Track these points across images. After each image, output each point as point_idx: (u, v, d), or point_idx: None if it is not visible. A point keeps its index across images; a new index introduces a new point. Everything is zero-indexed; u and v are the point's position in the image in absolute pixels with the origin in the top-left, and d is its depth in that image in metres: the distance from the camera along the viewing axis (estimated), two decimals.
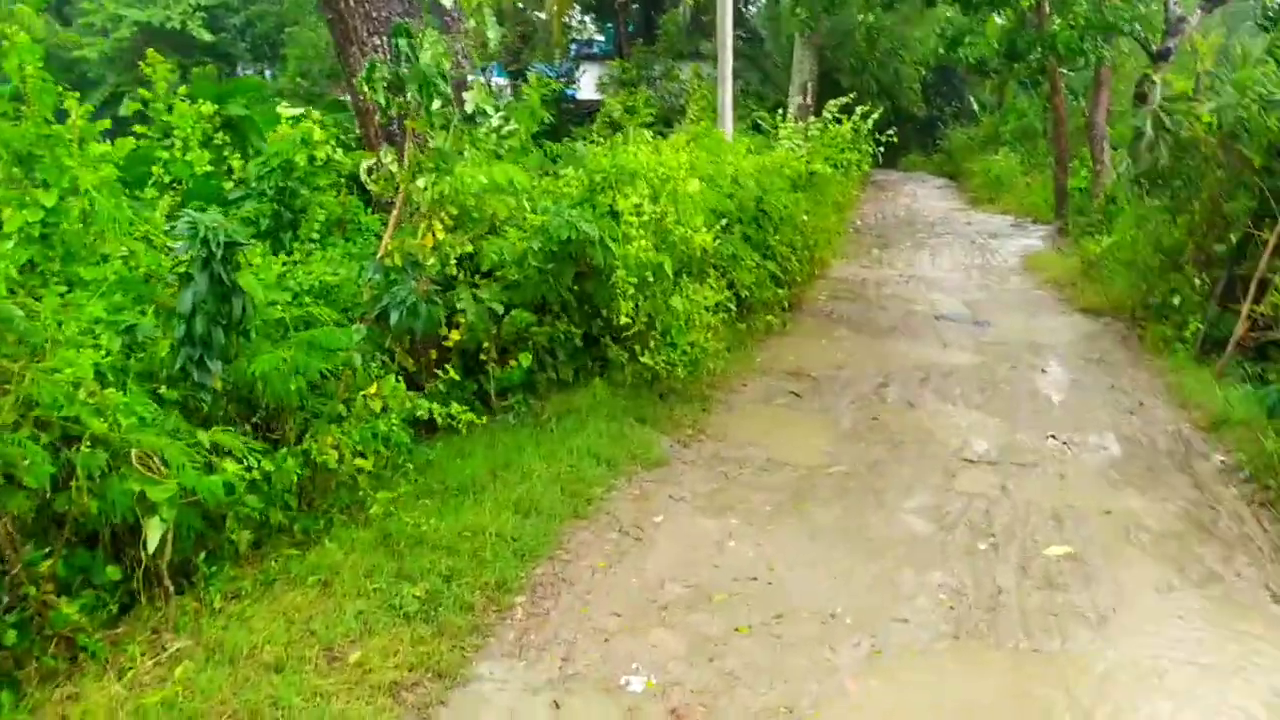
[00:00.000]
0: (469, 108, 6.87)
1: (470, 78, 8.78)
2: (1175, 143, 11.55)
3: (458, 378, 7.38)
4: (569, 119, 27.55)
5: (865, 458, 7.85)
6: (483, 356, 7.84)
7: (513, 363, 7.88)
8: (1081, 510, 6.84)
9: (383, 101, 6.51)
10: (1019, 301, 13.82)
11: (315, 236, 8.08)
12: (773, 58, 31.39)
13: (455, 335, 7.51)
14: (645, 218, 7.89)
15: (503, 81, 37.22)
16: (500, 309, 7.69)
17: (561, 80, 36.36)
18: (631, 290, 7.83)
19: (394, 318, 6.36)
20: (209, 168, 8.86)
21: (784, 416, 8.85)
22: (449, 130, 6.72)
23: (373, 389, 6.17)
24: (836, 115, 14.09)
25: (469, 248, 7.41)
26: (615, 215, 7.82)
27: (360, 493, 6.15)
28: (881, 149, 15.45)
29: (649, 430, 7.95)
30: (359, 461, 6.04)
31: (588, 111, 31.61)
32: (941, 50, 26.79)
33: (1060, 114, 20.39)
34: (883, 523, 6.65)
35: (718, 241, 9.45)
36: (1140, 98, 19.67)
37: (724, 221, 10.36)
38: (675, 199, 8.34)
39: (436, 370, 7.55)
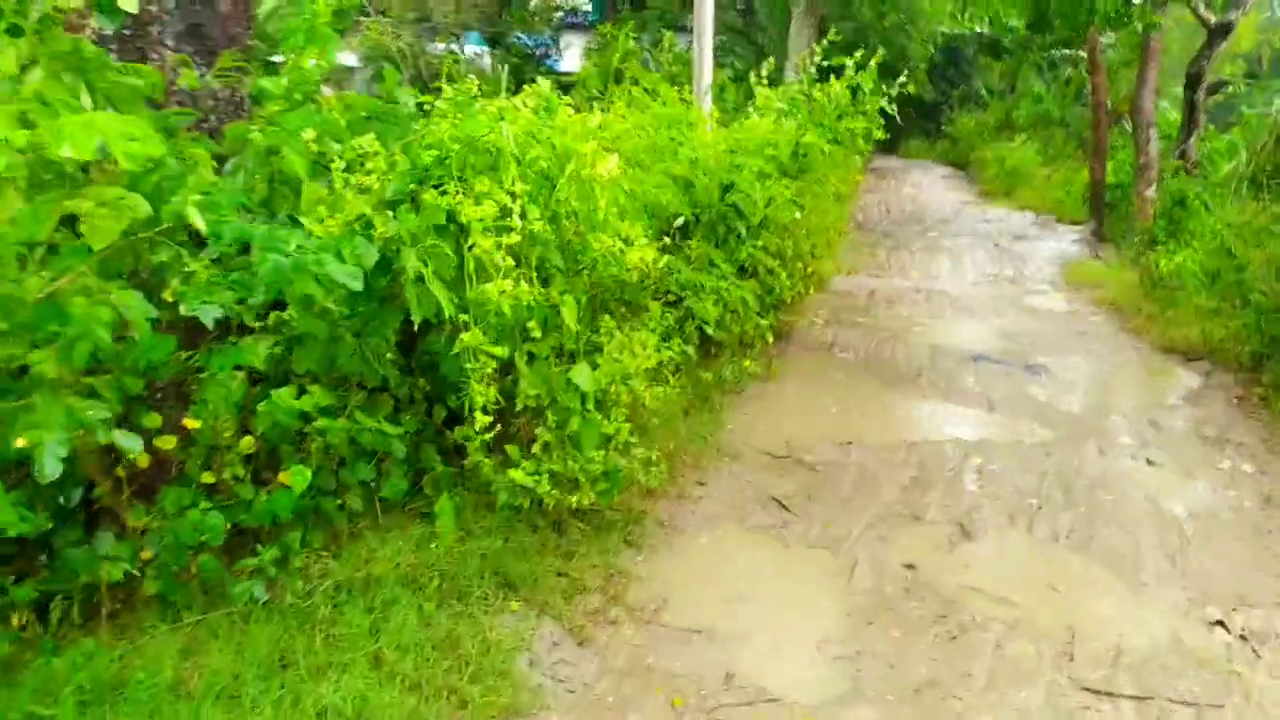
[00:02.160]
0: None
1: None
2: None
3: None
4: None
5: (903, 671, 4.17)
6: (229, 471, 4.13)
7: (278, 480, 4.19)
8: None
9: None
10: (1072, 332, 10.09)
11: None
12: (768, 31, 27.42)
13: (174, 438, 3.83)
14: (522, 230, 4.14)
15: (480, 49, 33.35)
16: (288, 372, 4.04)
17: (541, 51, 32.51)
18: (490, 366, 4.12)
19: None
20: None
21: (762, 559, 5.12)
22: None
23: None
24: (820, 66, 10.09)
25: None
26: (461, 229, 4.05)
27: None
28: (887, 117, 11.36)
29: (515, 615, 4.24)
30: None
31: (570, 87, 27.83)
32: (957, 14, 23.04)
33: (1100, 96, 16.57)
34: None
35: (665, 257, 5.73)
36: (1195, 79, 15.94)
37: (679, 221, 6.65)
38: (586, 192, 4.58)
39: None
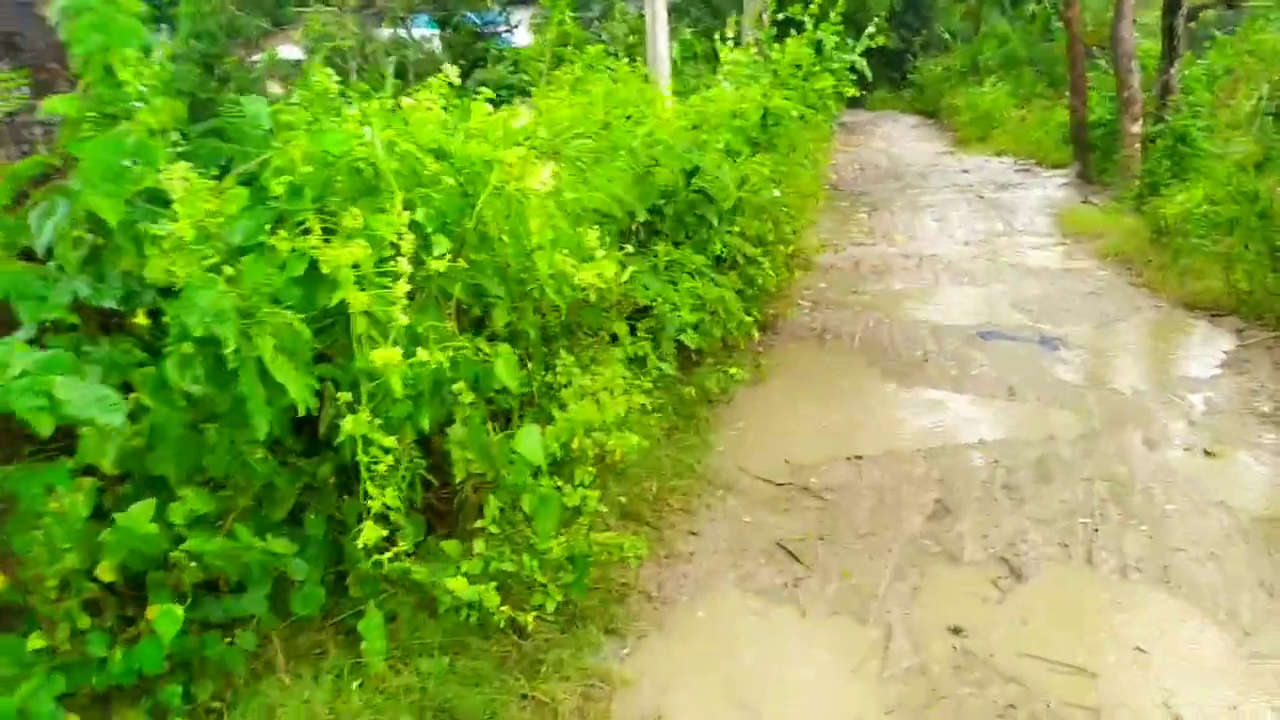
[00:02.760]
0: None
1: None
2: None
3: None
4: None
5: None
6: (63, 630, 3.08)
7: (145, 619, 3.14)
8: None
9: None
10: (1082, 293, 9.08)
11: None
12: None
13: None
14: (427, 270, 3.05)
15: (429, 33, 31.92)
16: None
17: (491, 29, 31.09)
18: (387, 460, 3.06)
19: None
20: None
21: (774, 637, 4.08)
22: None
23: None
24: (776, 21, 9.01)
25: None
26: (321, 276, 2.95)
27: None
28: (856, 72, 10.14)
29: None
30: None
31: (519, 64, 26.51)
32: None
33: (1075, 30, 15.48)
34: None
35: (629, 269, 4.65)
36: (1173, 4, 14.87)
37: (636, 225, 5.60)
38: (515, 209, 3.50)
39: None
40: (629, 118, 6.69)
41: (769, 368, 7.27)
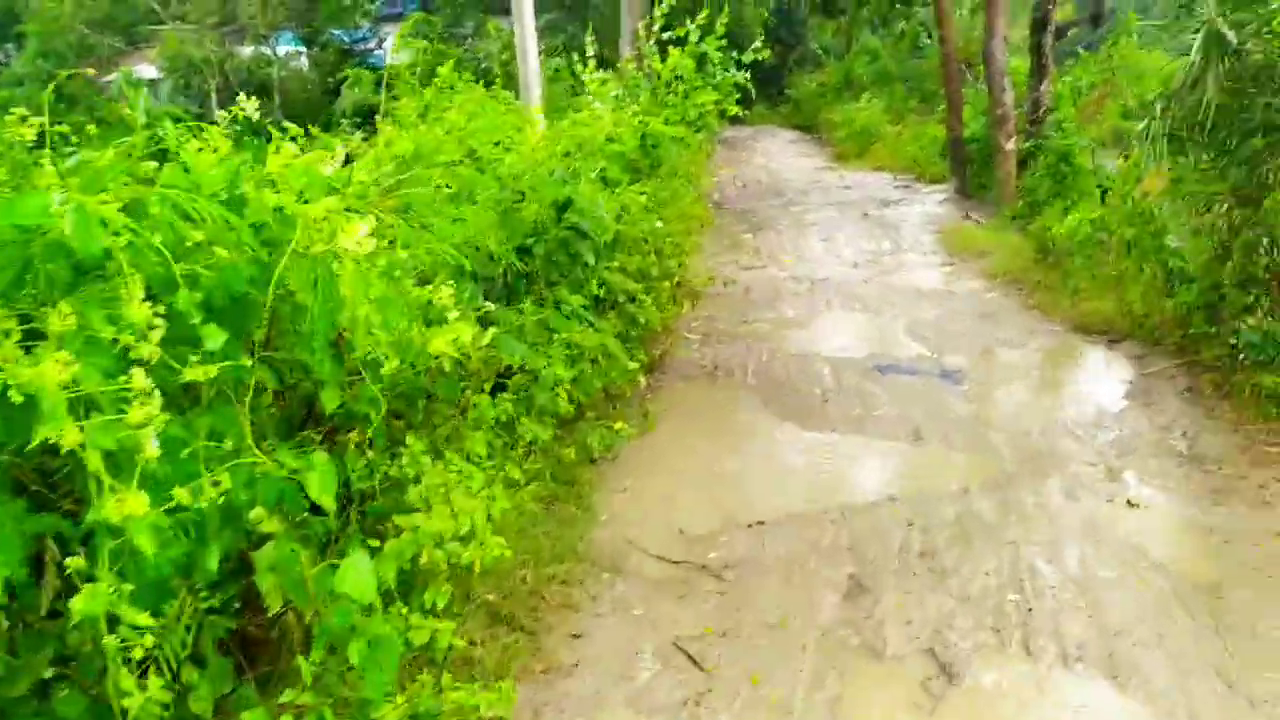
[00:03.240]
0: None
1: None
2: (1237, 72, 6.50)
3: None
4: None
5: None
6: None
7: None
8: None
9: None
10: (976, 317, 8.68)
11: None
12: (598, 6, 25.51)
13: None
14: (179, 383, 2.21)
15: (295, 50, 30.38)
16: None
17: (360, 46, 29.76)
18: (141, 643, 2.20)
19: None
20: None
21: None
22: None
23: None
24: (660, 39, 8.42)
25: None
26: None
27: None
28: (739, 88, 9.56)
29: None
30: None
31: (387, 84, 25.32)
32: None
33: (949, 48, 15.36)
34: None
35: (491, 330, 3.84)
36: (1041, 23, 14.91)
37: (504, 267, 4.82)
38: (324, 275, 2.68)
39: None
40: (499, 144, 5.90)
41: (658, 414, 6.57)
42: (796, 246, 11.97)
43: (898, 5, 24.06)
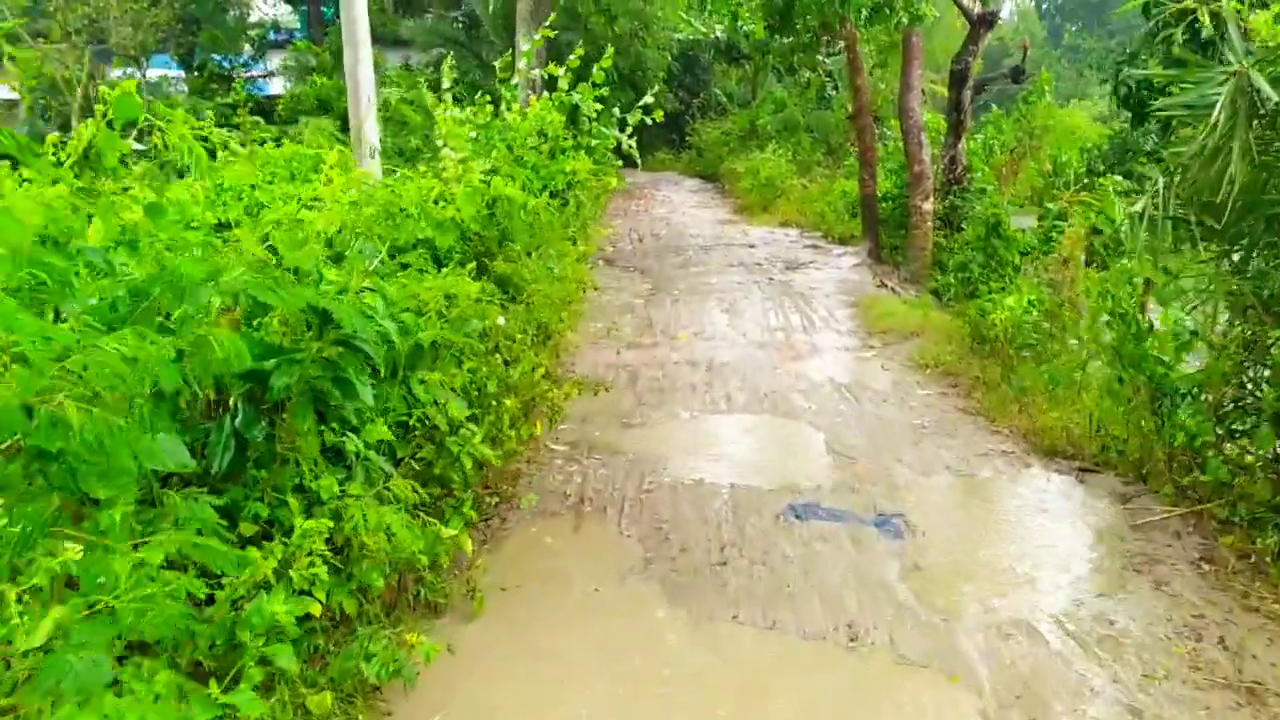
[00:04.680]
0: None
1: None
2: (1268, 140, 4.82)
3: None
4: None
5: None
6: None
7: None
8: None
9: None
10: (909, 427, 6.82)
11: None
12: (493, 43, 23.49)
13: None
14: None
15: (173, 74, 27.53)
16: None
17: (242, 72, 27.06)
18: None
19: None
20: None
21: None
22: None
23: None
24: (545, 80, 6.56)
25: None
26: None
27: None
28: (631, 138, 7.62)
29: None
30: None
31: (271, 113, 22.83)
32: (692, 18, 20.17)
33: (863, 100, 13.80)
34: None
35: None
36: (960, 76, 13.48)
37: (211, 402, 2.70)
38: None
39: None
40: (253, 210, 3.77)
41: (494, 585, 4.48)
42: (695, 318, 10.06)
43: (799, 55, 22.68)
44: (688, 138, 26.59)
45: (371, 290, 3.52)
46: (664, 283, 11.87)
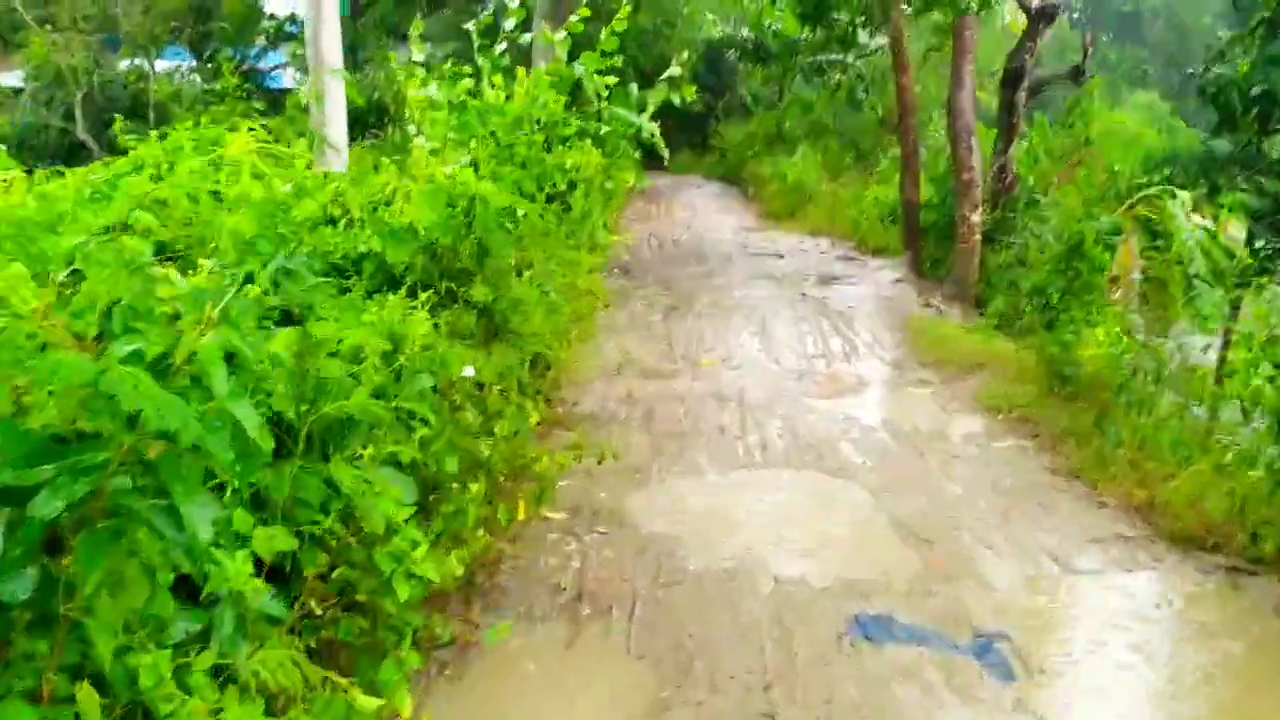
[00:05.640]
0: None
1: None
2: None
3: None
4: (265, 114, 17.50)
5: None
6: None
7: None
8: None
9: None
10: (989, 493, 5.36)
11: None
12: None
13: None
14: None
15: (183, 65, 26.24)
16: None
17: (252, 66, 25.76)
18: None
19: None
20: None
21: None
22: None
23: None
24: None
25: None
26: None
27: None
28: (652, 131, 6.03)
29: None
30: None
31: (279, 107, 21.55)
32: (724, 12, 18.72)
33: (908, 98, 12.31)
34: None
35: None
36: (1015, 76, 11.99)
37: None
38: None
39: None
40: None
41: None
42: (720, 340, 8.61)
43: (833, 49, 21.15)
44: (711, 140, 25.10)
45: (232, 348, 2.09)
46: (685, 296, 10.42)
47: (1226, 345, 6.39)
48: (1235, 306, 7.89)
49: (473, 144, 4.23)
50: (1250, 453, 4.77)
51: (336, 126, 5.98)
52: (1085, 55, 12.69)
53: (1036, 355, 7.18)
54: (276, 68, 26.31)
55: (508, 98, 4.55)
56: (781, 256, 12.98)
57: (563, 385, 6.93)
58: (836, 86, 21.73)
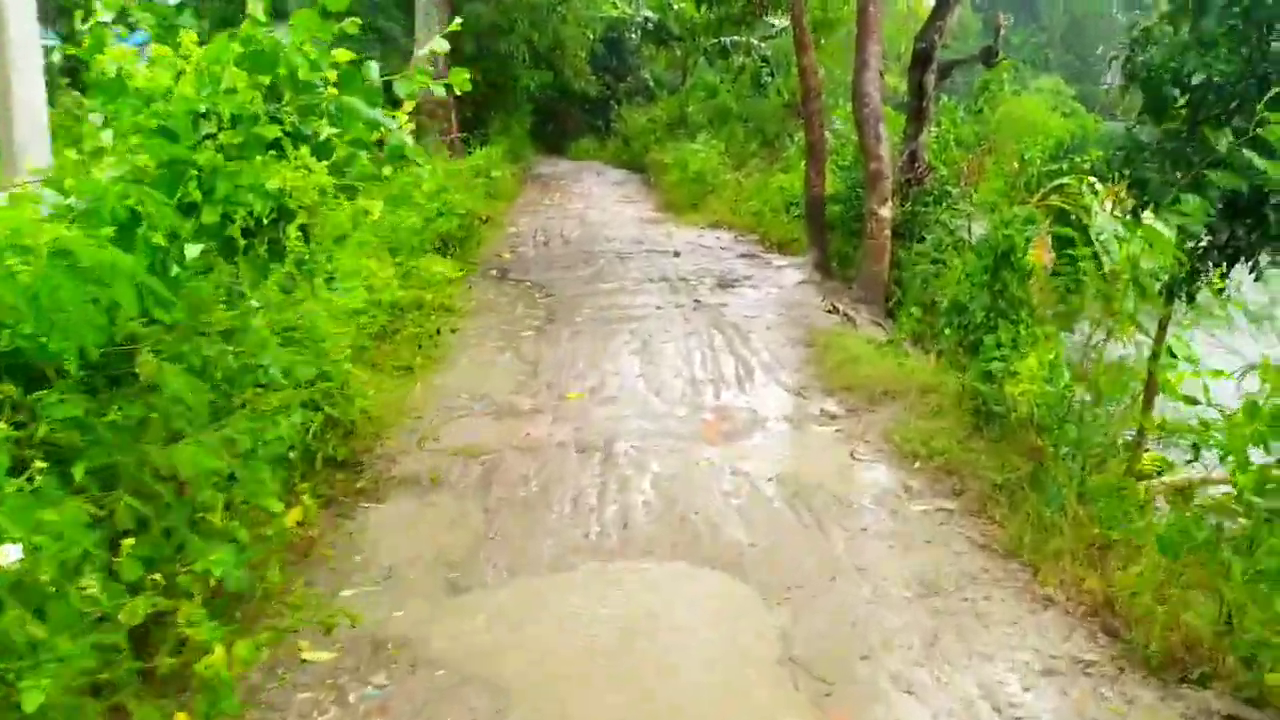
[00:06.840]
0: None
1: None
2: None
3: None
4: None
5: None
6: None
7: None
8: None
9: None
10: (909, 588, 4.08)
11: None
12: (392, 14, 20.03)
13: None
14: None
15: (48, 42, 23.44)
16: None
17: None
18: None
19: None
20: None
21: None
22: None
23: None
24: None
25: None
26: None
27: None
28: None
29: None
30: None
31: None
32: None
33: (811, 80, 10.99)
34: None
35: None
36: (923, 56, 10.80)
37: None
38: None
39: None
40: None
41: None
42: (595, 364, 7.16)
43: (731, 30, 19.76)
44: (613, 124, 23.60)
45: None
46: (565, 305, 8.95)
47: (1155, 357, 5.27)
48: (1164, 324, 6.83)
49: (130, 146, 2.68)
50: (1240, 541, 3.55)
51: (35, 131, 4.30)
52: (997, 35, 11.56)
53: (957, 384, 5.94)
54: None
55: (179, 75, 3.00)
56: (678, 255, 11.59)
57: (384, 436, 5.41)
58: (740, 69, 20.43)
